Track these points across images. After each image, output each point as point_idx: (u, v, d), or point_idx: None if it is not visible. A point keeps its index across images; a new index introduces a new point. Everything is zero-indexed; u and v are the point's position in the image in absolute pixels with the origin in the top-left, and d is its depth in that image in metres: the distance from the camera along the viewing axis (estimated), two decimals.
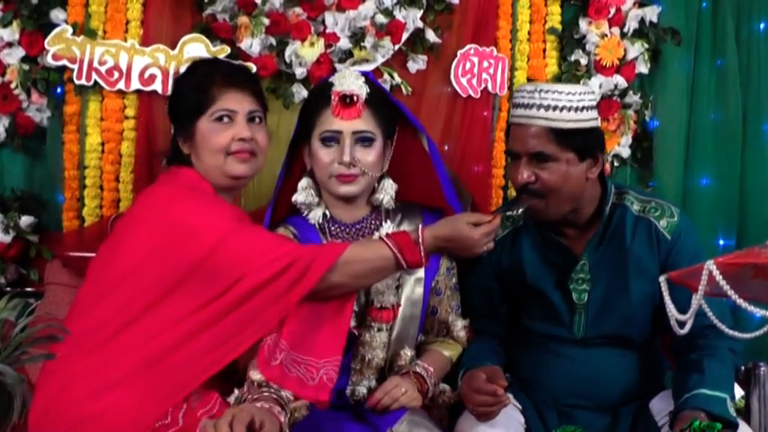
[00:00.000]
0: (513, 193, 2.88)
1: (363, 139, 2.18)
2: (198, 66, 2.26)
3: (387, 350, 2.22)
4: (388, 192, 2.26)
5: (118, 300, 1.98)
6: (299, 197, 2.24)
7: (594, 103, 2.20)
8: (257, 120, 2.20)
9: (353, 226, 2.26)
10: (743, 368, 2.36)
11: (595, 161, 2.18)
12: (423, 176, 2.33)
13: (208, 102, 2.14)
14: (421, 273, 2.25)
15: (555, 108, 2.11)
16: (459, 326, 2.31)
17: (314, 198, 2.24)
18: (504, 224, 2.33)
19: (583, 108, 2.13)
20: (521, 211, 2.15)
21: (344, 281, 2.00)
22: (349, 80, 2.19)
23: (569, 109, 2.11)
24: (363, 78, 2.21)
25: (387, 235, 2.06)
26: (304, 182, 2.25)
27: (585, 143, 2.14)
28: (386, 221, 2.23)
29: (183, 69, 2.36)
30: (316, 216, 2.24)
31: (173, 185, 2.12)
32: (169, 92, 2.41)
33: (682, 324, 1.43)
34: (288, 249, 1.99)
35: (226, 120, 2.14)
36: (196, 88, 2.16)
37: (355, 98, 2.16)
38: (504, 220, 2.32)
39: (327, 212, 2.25)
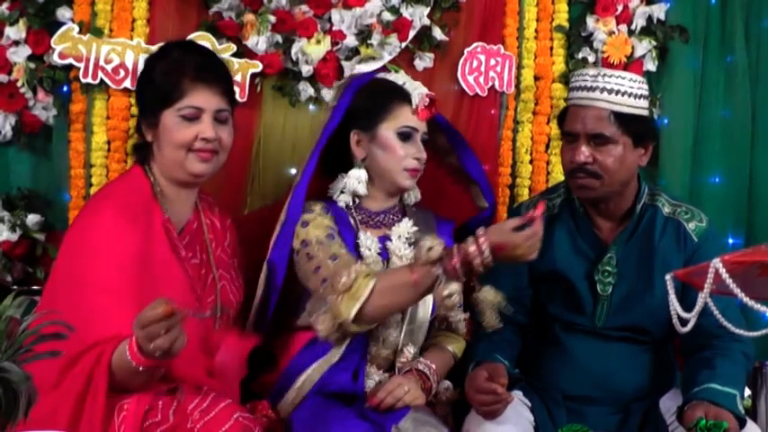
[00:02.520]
0: (519, 192, 2.89)
1: (424, 140, 2.35)
2: (170, 50, 2.20)
3: (400, 330, 2.26)
4: (416, 188, 2.42)
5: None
6: (359, 188, 2.31)
7: (648, 93, 2.30)
8: (223, 119, 2.15)
9: (378, 214, 2.35)
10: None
11: (645, 150, 2.28)
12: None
13: (176, 95, 2.09)
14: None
15: (618, 92, 2.21)
16: (458, 318, 2.37)
17: (364, 191, 2.33)
18: None
19: (641, 96, 2.24)
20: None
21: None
22: (422, 86, 2.39)
23: (630, 95, 2.22)
24: None
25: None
26: (362, 174, 2.33)
27: (641, 130, 2.25)
28: (404, 217, 2.36)
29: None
30: (346, 200, 2.33)
31: (108, 198, 2.10)
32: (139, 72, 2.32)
33: (684, 322, 1.43)
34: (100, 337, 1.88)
35: (192, 117, 2.10)
36: (166, 77, 2.11)
37: (435, 102, 2.35)
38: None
39: (356, 199, 2.34)
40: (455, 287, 2.01)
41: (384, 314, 2.13)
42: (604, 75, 2.23)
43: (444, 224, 2.45)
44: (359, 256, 2.24)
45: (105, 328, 1.88)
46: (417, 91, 2.34)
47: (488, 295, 2.10)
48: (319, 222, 2.24)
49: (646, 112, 2.26)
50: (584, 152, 2.20)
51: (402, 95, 2.34)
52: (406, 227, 2.30)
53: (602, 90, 2.20)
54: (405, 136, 2.31)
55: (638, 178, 2.34)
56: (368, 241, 2.28)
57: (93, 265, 1.96)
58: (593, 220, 2.33)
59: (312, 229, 2.22)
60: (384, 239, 2.32)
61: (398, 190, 2.35)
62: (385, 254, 2.31)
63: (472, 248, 1.97)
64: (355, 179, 2.32)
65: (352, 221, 2.32)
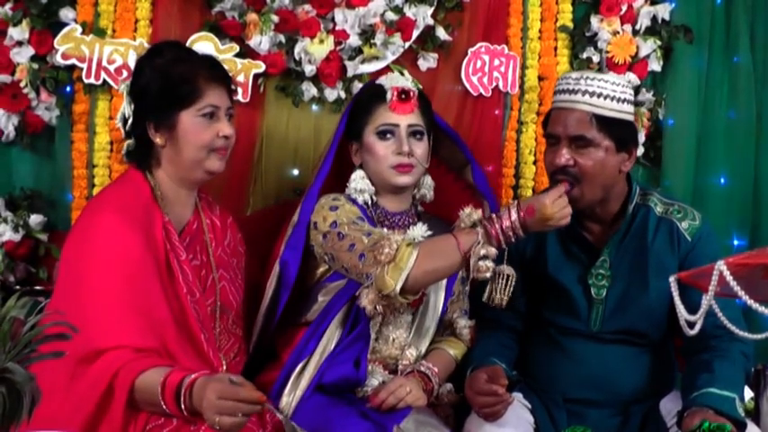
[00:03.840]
0: (523, 193, 2.88)
1: (415, 133, 2.32)
2: (163, 50, 2.16)
3: (409, 332, 2.30)
4: (429, 186, 2.41)
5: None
6: (358, 185, 2.32)
7: (633, 98, 2.27)
8: (230, 116, 2.16)
9: (394, 215, 2.35)
10: (752, 370, 2.36)
11: (629, 155, 2.24)
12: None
13: (195, 94, 2.07)
14: (443, 281, 2.34)
15: (600, 95, 2.18)
16: (462, 324, 2.38)
17: (370, 188, 2.33)
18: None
19: (624, 100, 2.21)
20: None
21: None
22: (400, 79, 2.38)
23: (612, 98, 2.19)
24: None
25: None
26: (360, 172, 2.35)
27: (624, 134, 2.22)
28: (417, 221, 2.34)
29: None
30: (364, 197, 2.33)
31: (107, 202, 2.08)
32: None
33: (692, 324, 1.42)
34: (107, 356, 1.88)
35: (211, 116, 2.09)
36: (180, 77, 2.07)
37: (411, 93, 2.32)
38: None
39: (374, 198, 2.34)
40: (492, 250, 2.07)
41: (429, 280, 2.14)
42: (587, 78, 2.21)
43: None
44: None
45: (107, 333, 1.88)
46: (389, 84, 2.32)
47: (506, 270, 2.14)
48: (348, 208, 2.26)
49: (630, 117, 2.23)
50: (565, 155, 2.18)
51: (379, 95, 2.32)
52: (420, 230, 2.28)
53: (584, 93, 2.18)
54: (383, 134, 2.29)
55: (629, 180, 2.31)
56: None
57: (94, 270, 1.95)
58: (583, 224, 2.30)
59: (342, 212, 2.24)
60: None
61: (396, 188, 2.33)
62: None
63: (504, 214, 2.08)
64: (354, 180, 2.33)
65: (371, 217, 2.32)
